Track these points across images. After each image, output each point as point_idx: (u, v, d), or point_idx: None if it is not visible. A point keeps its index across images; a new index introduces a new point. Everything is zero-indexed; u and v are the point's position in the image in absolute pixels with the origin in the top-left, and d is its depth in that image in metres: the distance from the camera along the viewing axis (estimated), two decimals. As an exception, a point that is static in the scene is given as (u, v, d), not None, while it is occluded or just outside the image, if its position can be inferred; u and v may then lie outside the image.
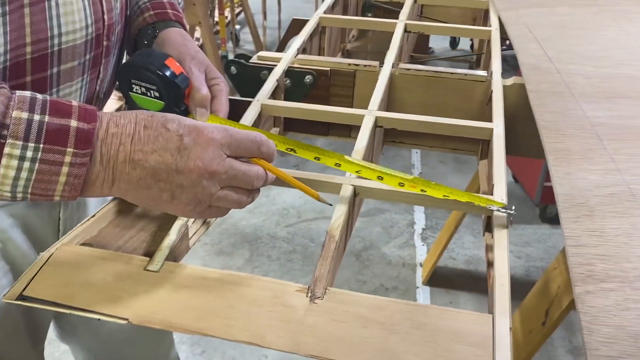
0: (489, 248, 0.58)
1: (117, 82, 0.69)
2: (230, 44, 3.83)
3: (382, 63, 0.89)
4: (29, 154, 0.45)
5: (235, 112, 0.75)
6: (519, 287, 1.88)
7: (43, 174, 0.46)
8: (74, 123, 0.46)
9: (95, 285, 0.49)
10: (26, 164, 0.45)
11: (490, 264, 0.56)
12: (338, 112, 0.76)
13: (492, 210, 0.58)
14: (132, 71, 0.65)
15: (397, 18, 1.07)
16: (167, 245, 0.54)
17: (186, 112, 0.67)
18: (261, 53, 0.92)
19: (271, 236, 2.22)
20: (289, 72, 0.88)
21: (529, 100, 0.78)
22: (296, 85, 0.89)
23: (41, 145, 0.45)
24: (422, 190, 0.58)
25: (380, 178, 0.59)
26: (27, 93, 0.47)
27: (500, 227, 0.57)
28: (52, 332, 0.86)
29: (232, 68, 0.89)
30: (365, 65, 0.89)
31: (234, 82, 0.91)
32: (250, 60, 0.90)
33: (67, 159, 0.46)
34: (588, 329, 0.44)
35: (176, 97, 0.65)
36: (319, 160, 0.60)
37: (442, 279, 2.00)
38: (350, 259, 2.08)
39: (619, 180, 0.61)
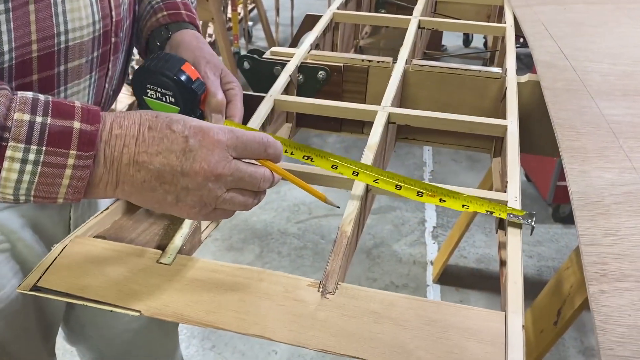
0: (502, 245, 0.57)
1: (132, 86, 0.67)
2: (242, 41, 3.83)
3: (395, 59, 0.89)
4: (32, 156, 0.44)
5: (248, 107, 0.75)
6: (531, 287, 1.87)
7: (46, 177, 0.45)
8: (77, 125, 0.46)
9: (108, 278, 0.50)
10: (28, 167, 0.44)
11: (503, 262, 0.55)
12: (350, 108, 0.76)
13: (514, 221, 0.57)
14: (148, 76, 0.65)
15: (410, 14, 1.07)
16: (180, 239, 0.54)
17: (202, 117, 0.66)
18: (274, 48, 0.92)
19: (282, 232, 2.22)
20: (301, 68, 0.88)
21: (543, 97, 0.77)
22: (309, 80, 0.88)
23: (44, 148, 0.44)
24: (441, 200, 0.57)
25: (398, 187, 0.58)
26: (29, 94, 0.46)
27: (514, 225, 0.57)
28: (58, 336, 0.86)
29: (245, 63, 0.89)
30: (378, 62, 0.88)
31: (246, 77, 0.91)
32: (264, 56, 0.90)
33: (70, 161, 0.45)
34: (602, 329, 0.44)
35: (192, 102, 0.65)
36: (336, 169, 0.58)
37: (453, 278, 2.00)
38: (361, 256, 2.08)
39: (635, 178, 0.60)
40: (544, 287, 1.04)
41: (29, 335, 0.73)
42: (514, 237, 0.55)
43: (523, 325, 0.46)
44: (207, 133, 0.48)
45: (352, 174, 0.58)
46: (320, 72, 0.88)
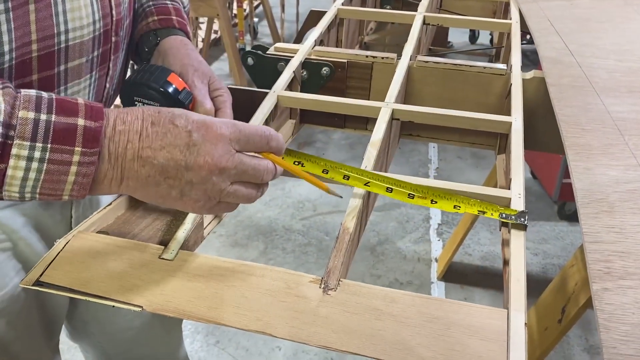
0: (506, 243, 0.57)
1: (120, 99, 0.68)
2: (248, 37, 3.83)
3: (399, 55, 0.89)
4: (37, 154, 0.44)
5: (252, 103, 0.75)
6: (536, 285, 1.87)
7: (51, 174, 0.45)
8: (81, 122, 0.46)
9: (111, 273, 0.50)
10: (34, 165, 0.44)
11: (506, 259, 0.55)
12: (354, 104, 0.76)
13: (503, 222, 0.56)
14: (135, 88, 0.65)
15: (416, 10, 1.06)
16: (182, 234, 0.54)
17: None
18: (278, 44, 0.92)
19: (286, 229, 2.22)
20: (305, 64, 0.87)
21: (548, 94, 0.77)
22: (313, 76, 0.88)
23: (49, 145, 0.44)
24: (432, 201, 0.57)
25: (389, 190, 0.58)
26: (33, 92, 0.46)
27: (515, 225, 0.56)
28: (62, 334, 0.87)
29: (249, 59, 0.89)
30: (382, 58, 0.88)
31: (250, 73, 0.91)
32: (267, 52, 0.90)
33: (76, 158, 0.45)
34: (605, 327, 0.44)
35: None
36: (327, 173, 0.58)
37: (457, 275, 1.99)
38: (365, 253, 2.08)
39: (640, 176, 0.60)
40: (549, 285, 1.04)
41: (32, 333, 0.74)
42: (517, 235, 0.55)
43: (525, 323, 0.46)
44: (210, 127, 0.48)
45: (343, 178, 0.58)
46: (324, 68, 0.88)
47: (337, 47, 1.11)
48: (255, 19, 4.14)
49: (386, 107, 0.74)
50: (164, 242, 0.54)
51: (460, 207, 0.57)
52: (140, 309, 0.47)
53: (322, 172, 0.58)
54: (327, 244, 2.14)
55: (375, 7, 1.47)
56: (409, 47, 0.91)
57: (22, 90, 0.46)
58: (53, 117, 0.45)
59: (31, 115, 0.44)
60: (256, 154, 0.51)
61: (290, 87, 0.83)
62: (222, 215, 0.63)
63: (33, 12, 0.54)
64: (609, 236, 0.52)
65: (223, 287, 0.49)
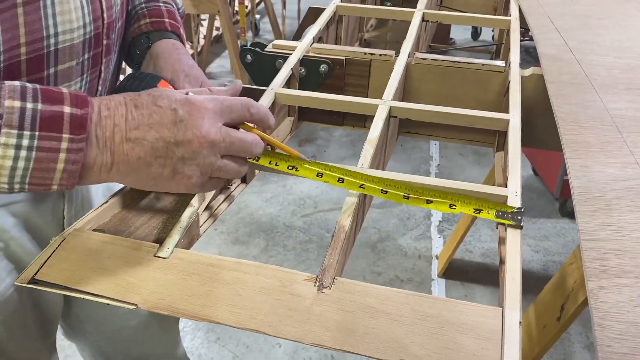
0: (502, 241, 0.57)
1: None
2: (250, 34, 3.83)
3: (398, 53, 0.88)
4: (25, 142, 0.44)
5: (249, 100, 0.74)
6: (536, 282, 1.87)
7: (40, 162, 0.45)
8: (67, 109, 0.46)
9: (106, 271, 0.50)
10: (23, 153, 0.44)
11: (502, 258, 0.55)
12: (352, 102, 0.76)
13: (501, 220, 0.56)
14: None
15: (416, 7, 1.06)
16: (177, 232, 0.54)
17: None
18: (276, 41, 0.92)
19: (287, 226, 2.22)
20: (303, 61, 0.87)
21: (547, 91, 0.77)
22: (311, 74, 0.88)
23: (37, 133, 0.45)
24: (427, 201, 0.57)
25: (384, 192, 0.58)
26: (17, 82, 0.46)
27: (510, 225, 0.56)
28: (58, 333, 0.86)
29: (247, 56, 0.89)
30: (381, 55, 0.88)
31: (249, 70, 0.90)
32: (266, 49, 0.90)
33: (64, 145, 0.45)
34: (599, 325, 0.43)
35: None
36: (321, 177, 0.58)
37: (458, 272, 1.99)
38: (366, 250, 2.08)
39: (638, 173, 0.60)
40: (548, 282, 1.04)
41: (27, 333, 0.73)
42: (513, 233, 0.54)
43: (520, 322, 0.45)
44: (193, 102, 0.49)
45: (338, 181, 0.58)
46: (322, 66, 0.88)
47: (336, 44, 1.11)
48: (257, 16, 4.14)
49: (383, 105, 0.74)
50: (160, 240, 0.54)
51: (455, 206, 0.56)
52: (134, 307, 0.47)
53: (317, 175, 0.58)
54: (328, 241, 2.13)
55: (375, 4, 1.46)
56: (408, 44, 0.90)
57: (6, 81, 0.46)
58: (39, 106, 0.45)
59: (17, 104, 0.44)
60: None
61: (288, 84, 0.82)
62: (218, 214, 0.63)
63: (21, 15, 0.53)
64: (605, 234, 0.52)
65: (217, 285, 0.49)
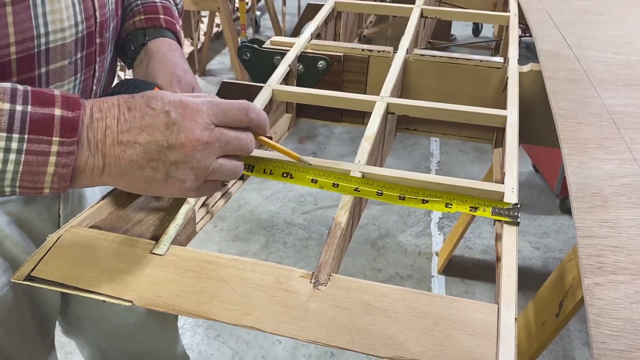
0: (498, 238, 0.57)
1: None
2: (250, 30, 3.82)
3: (396, 49, 0.88)
4: (14, 145, 0.44)
5: (247, 97, 0.74)
6: (536, 279, 1.87)
7: (30, 165, 0.45)
8: (57, 112, 0.45)
9: (102, 268, 0.50)
10: (12, 156, 0.44)
11: (499, 254, 0.55)
12: (349, 98, 0.75)
13: (497, 217, 0.56)
14: None
15: (414, 3, 1.05)
16: (174, 230, 0.54)
17: None
18: (274, 38, 0.91)
19: (287, 223, 2.22)
20: (301, 58, 0.87)
21: (545, 87, 0.76)
22: (309, 70, 0.88)
23: (26, 136, 0.44)
24: (423, 201, 0.57)
25: (379, 194, 0.57)
26: (7, 84, 0.46)
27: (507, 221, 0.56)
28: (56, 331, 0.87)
29: (245, 53, 0.89)
30: (379, 51, 0.88)
31: (246, 67, 0.90)
32: (264, 46, 0.90)
33: (54, 148, 0.45)
34: (595, 322, 0.43)
35: None
36: (315, 182, 0.58)
37: (458, 269, 1.99)
38: (366, 247, 2.08)
39: (635, 170, 0.60)
40: (547, 279, 1.04)
41: (24, 332, 0.73)
42: (509, 229, 0.54)
43: (516, 318, 0.45)
44: (187, 105, 0.48)
45: (332, 186, 0.58)
46: (320, 62, 0.87)
47: (335, 40, 1.11)
48: (258, 13, 4.13)
49: (381, 101, 0.74)
50: (156, 237, 0.54)
51: (452, 205, 0.56)
52: (130, 304, 0.47)
53: (311, 181, 0.58)
54: (328, 237, 2.14)
55: (374, 0, 1.46)
56: (406, 40, 0.90)
57: None
58: (29, 108, 0.45)
59: (6, 106, 0.44)
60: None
61: (286, 81, 0.82)
62: (215, 211, 0.63)
63: (10, 15, 0.53)
64: (602, 231, 0.52)
65: (213, 282, 0.49)
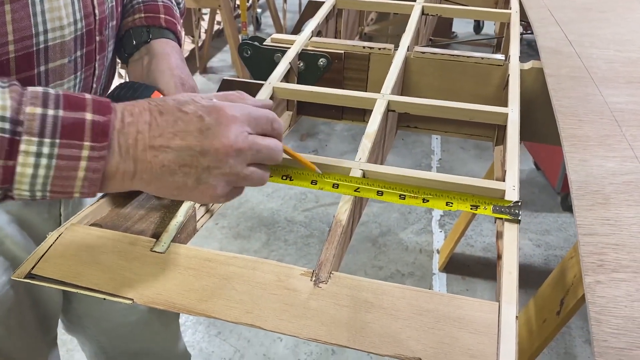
0: (499, 235, 0.57)
1: None
2: (251, 28, 3.82)
3: (397, 46, 0.88)
4: (46, 150, 0.43)
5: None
6: (537, 276, 1.86)
7: (61, 170, 0.44)
8: (89, 116, 0.45)
9: (102, 266, 0.50)
10: (43, 161, 0.43)
11: (499, 252, 0.55)
12: (350, 96, 0.75)
13: (498, 215, 0.56)
14: None
15: (415, 0, 1.05)
16: (174, 227, 0.54)
17: None
18: (275, 35, 0.91)
19: (288, 220, 2.22)
20: (302, 55, 0.87)
21: (547, 85, 0.76)
22: (309, 68, 0.88)
23: (57, 141, 0.43)
24: (424, 200, 0.57)
25: (380, 194, 0.57)
26: (39, 88, 0.45)
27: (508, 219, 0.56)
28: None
29: (246, 51, 0.89)
30: (379, 49, 0.87)
31: (247, 65, 0.90)
32: (264, 43, 0.90)
33: (85, 153, 0.44)
34: (596, 320, 0.43)
35: None
36: (315, 184, 0.58)
37: (459, 266, 1.99)
38: (367, 245, 2.08)
39: (637, 167, 0.59)
40: (548, 277, 1.03)
41: (26, 330, 0.73)
42: (510, 227, 0.54)
43: (517, 316, 0.45)
44: (221, 109, 0.47)
45: (332, 187, 0.58)
46: (320, 60, 0.87)
47: (336, 38, 1.10)
48: (258, 10, 4.13)
49: (382, 99, 0.73)
50: (157, 235, 0.54)
51: (452, 203, 0.56)
52: (130, 302, 0.47)
53: (311, 183, 0.58)
54: (329, 235, 2.14)
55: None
56: (407, 37, 0.90)
57: (28, 87, 0.45)
58: (60, 112, 0.44)
59: (39, 110, 0.43)
60: None
61: (286, 78, 0.82)
62: (215, 209, 0.63)
63: (9, 13, 0.52)
64: (603, 228, 0.52)
65: (214, 280, 0.49)
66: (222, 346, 1.68)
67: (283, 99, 0.83)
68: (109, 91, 0.65)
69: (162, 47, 0.69)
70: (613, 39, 0.89)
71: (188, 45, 3.59)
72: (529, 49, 3.43)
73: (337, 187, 0.58)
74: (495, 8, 1.43)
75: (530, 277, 1.84)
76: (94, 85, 0.67)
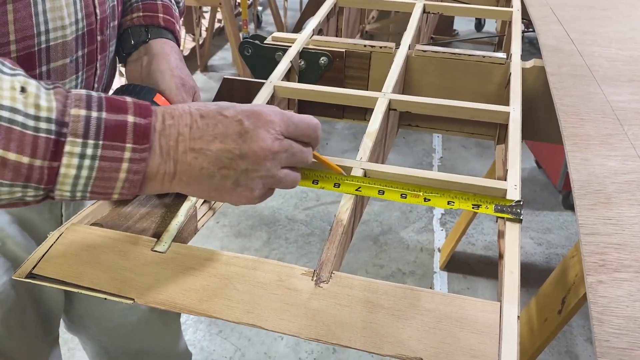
0: (501, 235, 0.56)
1: None
2: (252, 26, 3.82)
3: (398, 45, 0.88)
4: (89, 151, 0.44)
5: (248, 94, 0.74)
6: (538, 275, 1.86)
7: (103, 171, 0.44)
8: (130, 118, 0.45)
9: (103, 265, 0.50)
10: (86, 162, 0.44)
11: (501, 252, 0.55)
12: (351, 95, 0.75)
13: (500, 214, 0.56)
14: None
15: (416, -2, 1.05)
16: (175, 227, 0.54)
17: None
18: (276, 34, 0.91)
19: (289, 219, 2.22)
20: (303, 54, 0.87)
21: (548, 83, 0.76)
22: (310, 66, 0.88)
23: (100, 142, 0.44)
24: (425, 199, 0.57)
25: (381, 193, 0.57)
26: (83, 91, 0.46)
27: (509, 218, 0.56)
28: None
29: (247, 49, 0.88)
30: (381, 47, 0.87)
31: (248, 63, 0.90)
32: (265, 41, 0.89)
33: (127, 154, 0.45)
34: (598, 320, 0.43)
35: None
36: (316, 184, 0.58)
37: (460, 265, 1.99)
38: (368, 243, 2.08)
39: (639, 167, 0.59)
40: (549, 276, 1.03)
41: (27, 329, 0.73)
42: (512, 226, 0.54)
43: (518, 316, 0.45)
44: (260, 114, 0.48)
45: (334, 186, 0.58)
46: (322, 58, 0.87)
47: (337, 36, 1.10)
48: (259, 8, 4.12)
49: (383, 98, 0.73)
50: (158, 235, 0.54)
51: (454, 202, 0.56)
52: (131, 302, 0.47)
53: (312, 182, 0.58)
54: (330, 234, 2.14)
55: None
56: (408, 36, 0.90)
57: (72, 90, 0.46)
58: (104, 114, 0.44)
59: (83, 112, 0.44)
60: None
61: (287, 77, 0.82)
62: (217, 208, 0.63)
63: (11, 12, 0.52)
64: (605, 228, 0.52)
65: (214, 280, 0.48)
66: (223, 345, 1.68)
67: (284, 98, 0.83)
68: (111, 93, 0.65)
69: (161, 47, 0.69)
70: (615, 37, 0.89)
71: (189, 43, 3.59)
72: (530, 47, 3.43)
73: (339, 187, 0.58)
74: (497, 6, 1.43)
75: (531, 275, 1.84)
76: (96, 85, 0.67)
